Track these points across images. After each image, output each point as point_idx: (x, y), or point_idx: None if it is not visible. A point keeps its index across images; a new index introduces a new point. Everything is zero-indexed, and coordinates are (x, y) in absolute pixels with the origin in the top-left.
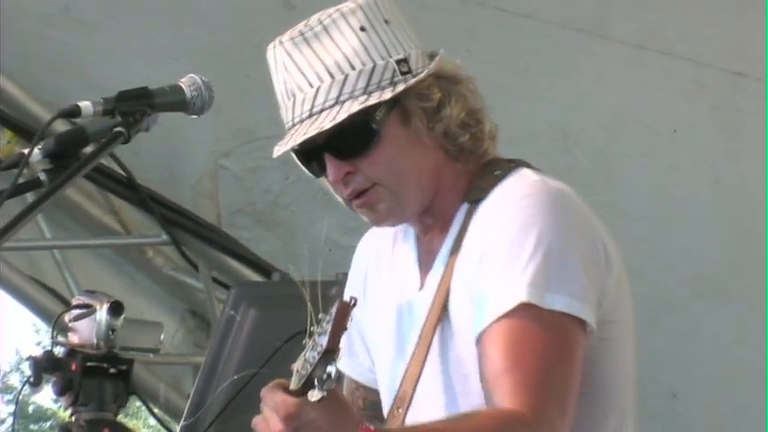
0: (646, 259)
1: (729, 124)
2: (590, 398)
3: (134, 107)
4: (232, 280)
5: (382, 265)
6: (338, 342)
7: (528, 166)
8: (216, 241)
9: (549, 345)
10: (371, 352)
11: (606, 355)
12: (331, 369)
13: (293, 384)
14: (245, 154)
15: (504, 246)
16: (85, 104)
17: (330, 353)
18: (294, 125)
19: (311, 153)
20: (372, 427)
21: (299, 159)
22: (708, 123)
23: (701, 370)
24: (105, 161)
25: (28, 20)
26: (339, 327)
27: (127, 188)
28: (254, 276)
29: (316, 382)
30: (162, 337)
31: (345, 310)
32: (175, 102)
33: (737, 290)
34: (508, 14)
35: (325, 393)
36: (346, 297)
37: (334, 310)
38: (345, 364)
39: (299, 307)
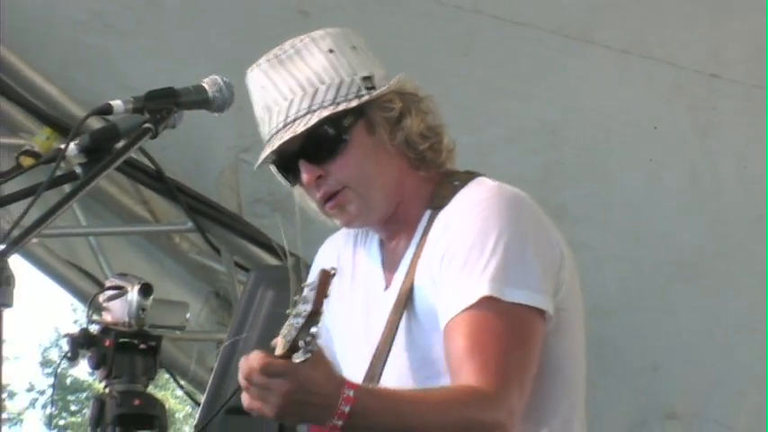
0: (628, 245)
1: (704, 122)
2: (547, 378)
3: (161, 105)
4: (252, 264)
5: (343, 268)
6: (321, 305)
7: (485, 176)
8: (237, 228)
9: (509, 332)
10: (335, 348)
11: (560, 339)
12: (314, 330)
13: (278, 350)
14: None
15: (467, 245)
16: (117, 103)
17: (314, 315)
18: (271, 136)
19: (287, 161)
20: (354, 382)
21: (277, 169)
22: (685, 121)
23: (680, 345)
24: (136, 155)
25: (65, 27)
26: (322, 292)
27: (156, 180)
28: (272, 260)
29: (300, 344)
30: (188, 315)
31: (327, 278)
32: (199, 100)
33: (711, 273)
34: (503, 22)
35: (309, 355)
36: (327, 267)
37: (315, 279)
38: None
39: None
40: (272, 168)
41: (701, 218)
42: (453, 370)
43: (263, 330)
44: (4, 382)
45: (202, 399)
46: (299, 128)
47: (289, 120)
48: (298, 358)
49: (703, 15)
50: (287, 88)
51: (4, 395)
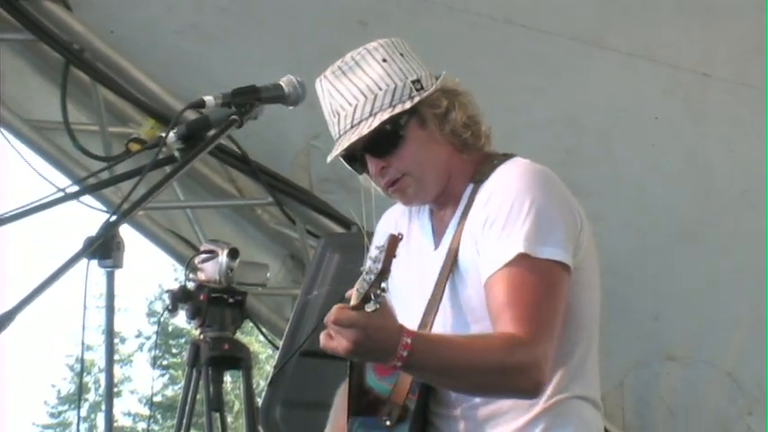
0: (634, 214)
1: (697, 113)
2: (566, 327)
3: (245, 100)
4: (321, 231)
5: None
6: (389, 265)
7: (517, 156)
8: (309, 202)
9: (541, 285)
10: (394, 300)
11: (578, 293)
12: (384, 286)
13: (353, 301)
14: (330, 136)
15: (504, 212)
16: (208, 98)
17: (383, 273)
18: (340, 136)
19: (355, 156)
20: (411, 330)
21: (346, 162)
22: (681, 112)
23: (678, 298)
24: (224, 141)
25: (166, 36)
26: (390, 254)
27: (241, 162)
28: (338, 229)
29: (371, 297)
30: (268, 275)
31: (395, 241)
32: (277, 96)
33: (703, 237)
34: (531, 30)
35: (378, 306)
36: (395, 232)
37: (385, 242)
38: None
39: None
40: (342, 160)
41: (695, 192)
42: (493, 318)
43: (330, 286)
44: (116, 329)
45: (281, 343)
46: (364, 129)
47: (355, 122)
48: (369, 308)
49: (696, 25)
50: (351, 95)
51: (117, 340)
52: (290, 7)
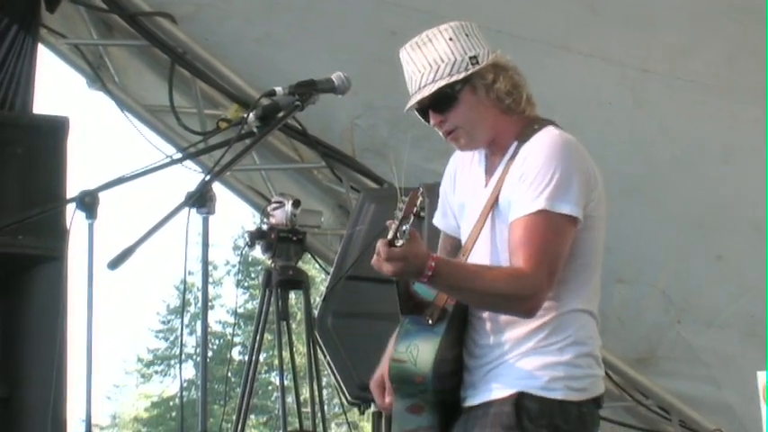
0: None
1: (639, 99)
2: (574, 257)
3: (305, 90)
4: (361, 187)
5: (465, 167)
6: (410, 213)
7: (555, 124)
8: (352, 166)
9: (551, 234)
10: (458, 218)
11: (590, 234)
12: (405, 228)
13: (389, 235)
14: (368, 117)
15: (534, 171)
16: (278, 89)
17: (405, 219)
18: (412, 95)
19: (423, 111)
20: (436, 255)
21: (418, 114)
22: (628, 99)
23: (624, 236)
24: (290, 120)
25: (248, 42)
26: (411, 204)
27: (302, 135)
28: (373, 185)
29: (399, 234)
30: (322, 219)
31: (416, 195)
32: (329, 87)
33: (643, 191)
34: (516, 38)
35: (404, 241)
36: (419, 190)
37: (410, 195)
38: (440, 222)
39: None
40: (415, 113)
41: (637, 157)
42: (511, 252)
43: (368, 228)
44: (209, 259)
45: (331, 270)
46: (426, 92)
47: (422, 86)
48: (398, 243)
49: (639, 33)
50: (420, 65)
51: (210, 267)
52: (338, 21)
